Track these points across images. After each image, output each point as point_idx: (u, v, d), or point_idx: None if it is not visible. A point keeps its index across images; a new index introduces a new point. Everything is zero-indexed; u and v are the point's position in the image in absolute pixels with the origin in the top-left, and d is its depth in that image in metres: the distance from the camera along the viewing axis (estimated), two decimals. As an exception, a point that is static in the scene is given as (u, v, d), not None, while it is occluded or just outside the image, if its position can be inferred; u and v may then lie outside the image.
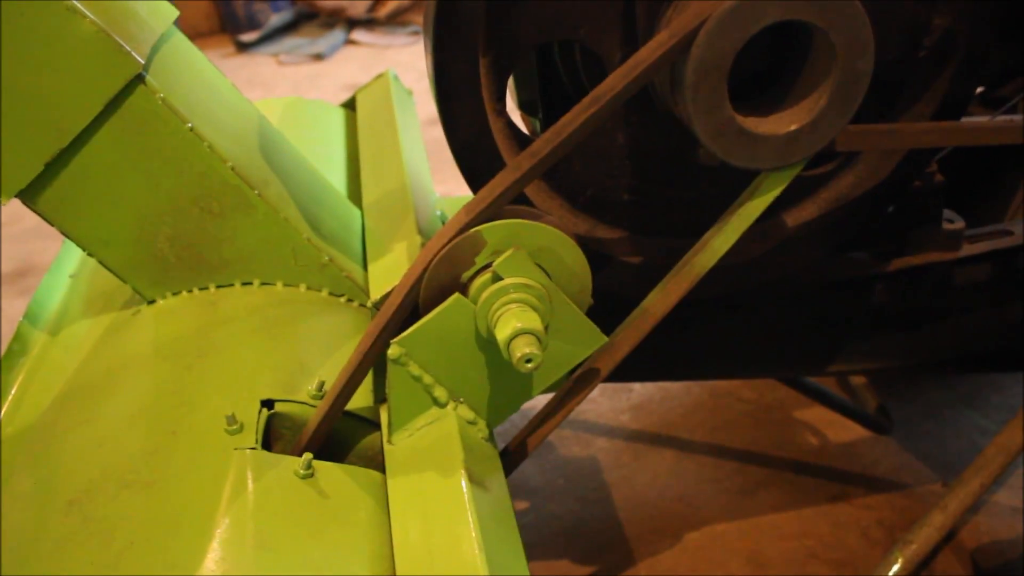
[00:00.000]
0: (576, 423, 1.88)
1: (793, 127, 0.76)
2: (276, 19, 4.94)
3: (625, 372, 1.17)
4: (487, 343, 0.77)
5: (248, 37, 4.83)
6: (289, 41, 4.88)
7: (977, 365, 1.38)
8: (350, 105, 1.71)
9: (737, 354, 1.21)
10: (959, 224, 1.17)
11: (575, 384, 0.84)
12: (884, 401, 1.80)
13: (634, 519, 1.65)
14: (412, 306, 0.78)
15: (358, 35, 4.82)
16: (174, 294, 1.07)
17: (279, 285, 1.07)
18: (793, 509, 1.66)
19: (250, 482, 0.78)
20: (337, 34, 4.83)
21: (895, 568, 1.10)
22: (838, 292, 1.19)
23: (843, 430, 1.82)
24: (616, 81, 0.71)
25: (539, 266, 0.76)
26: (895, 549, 1.11)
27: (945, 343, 1.28)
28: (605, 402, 1.93)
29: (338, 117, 1.65)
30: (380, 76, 1.69)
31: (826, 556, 1.56)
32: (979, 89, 1.63)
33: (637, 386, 1.97)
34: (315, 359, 0.95)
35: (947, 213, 1.18)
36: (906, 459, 1.76)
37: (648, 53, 0.70)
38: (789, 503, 1.67)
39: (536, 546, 1.60)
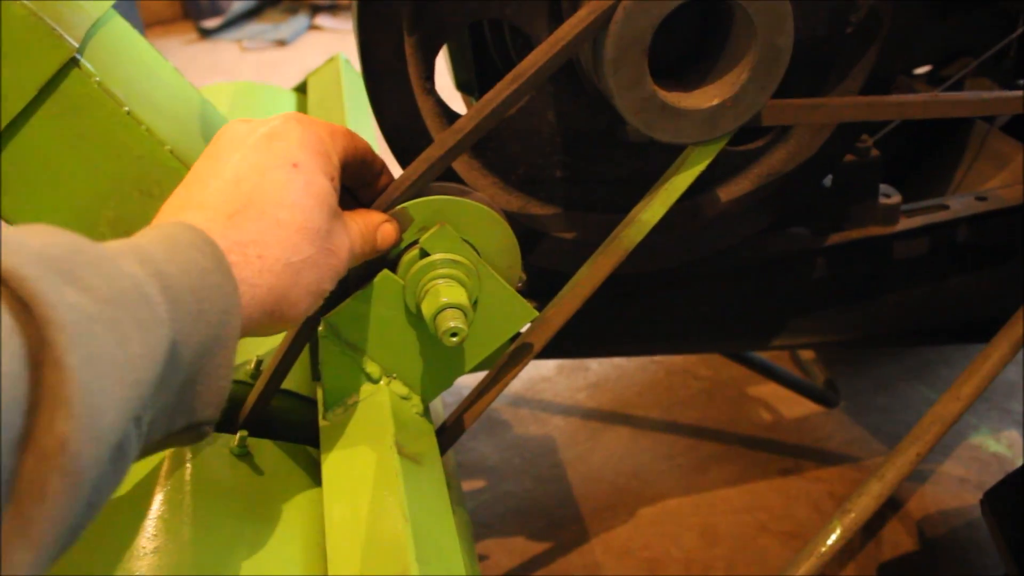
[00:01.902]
0: (533, 402, 1.90)
1: (716, 101, 0.78)
2: (239, 5, 4.90)
3: (567, 348, 1.19)
4: (417, 319, 0.78)
5: (211, 23, 4.79)
6: (252, 27, 4.84)
7: (920, 338, 1.40)
8: (302, 89, 1.71)
9: (681, 330, 1.23)
10: (896, 199, 1.19)
11: (509, 359, 0.86)
12: (835, 376, 1.83)
13: (589, 496, 1.67)
14: (344, 283, 0.79)
15: (321, 20, 4.79)
16: (116, 278, 1.06)
17: (222, 267, 1.07)
18: (746, 483, 1.68)
19: (187, 460, 0.79)
20: (300, 20, 4.80)
21: (833, 536, 1.12)
22: (779, 267, 1.21)
23: (796, 405, 1.85)
24: (537, 58, 0.72)
25: (467, 242, 0.77)
26: (834, 518, 1.13)
27: (887, 317, 1.31)
28: (562, 381, 1.95)
29: (289, 101, 1.65)
30: (331, 60, 1.69)
31: (777, 528, 1.59)
32: (926, 69, 1.65)
33: (594, 365, 1.99)
34: (254, 338, 0.95)
35: (884, 188, 1.20)
36: (857, 432, 1.80)
37: (568, 30, 0.71)
38: (742, 477, 1.70)
39: (491, 524, 1.62)
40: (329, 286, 0.66)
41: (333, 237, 0.65)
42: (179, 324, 0.50)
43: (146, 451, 0.53)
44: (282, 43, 4.55)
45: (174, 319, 0.49)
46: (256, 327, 0.61)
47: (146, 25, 4.59)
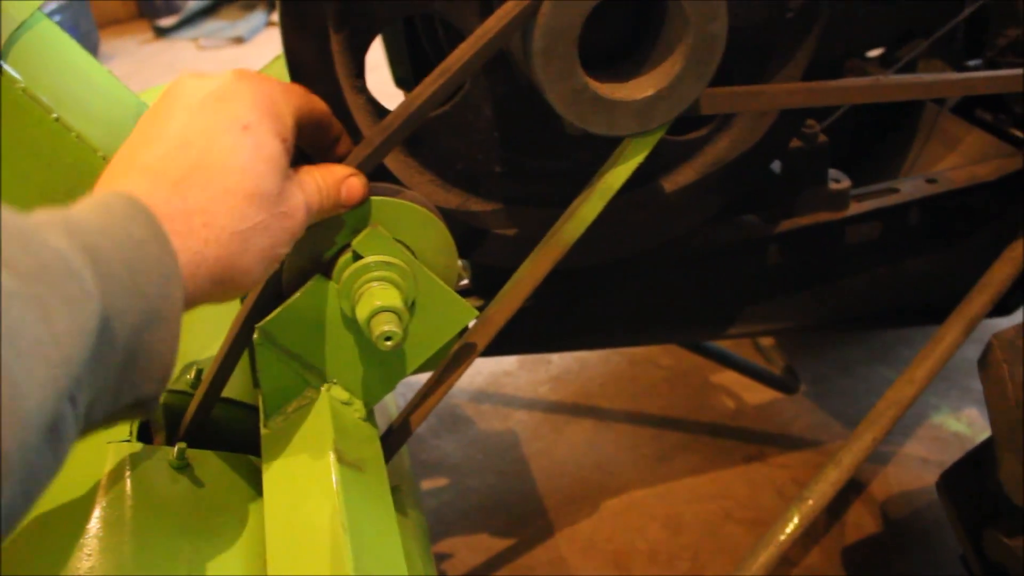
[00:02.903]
0: (495, 397, 1.89)
1: (650, 92, 0.76)
2: (194, 4, 4.84)
3: (520, 344, 1.18)
4: (354, 323, 0.76)
5: (167, 22, 4.73)
6: (209, 25, 4.78)
7: (876, 322, 1.40)
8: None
9: (637, 321, 1.22)
10: (845, 183, 1.19)
11: (453, 359, 0.84)
12: (797, 360, 1.83)
13: (553, 490, 1.66)
14: (276, 289, 0.77)
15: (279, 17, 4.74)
16: (53, 288, 1.04)
17: (161, 274, 1.04)
18: (710, 472, 1.68)
19: (127, 476, 0.77)
20: (258, 16, 4.75)
21: (792, 525, 1.12)
22: (731, 255, 1.20)
23: (759, 392, 1.85)
24: (463, 52, 0.70)
25: (401, 242, 0.76)
26: (791, 507, 1.13)
27: (842, 301, 1.30)
28: (524, 375, 1.94)
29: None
30: (278, 57, 1.66)
31: (741, 516, 1.59)
32: (878, 52, 1.65)
33: (555, 358, 1.98)
34: (193, 348, 0.93)
35: (833, 173, 1.19)
36: (820, 417, 1.80)
37: (495, 22, 0.70)
38: (706, 466, 1.69)
39: (454, 522, 1.60)
40: (284, 250, 0.64)
41: (286, 199, 0.63)
42: (111, 298, 0.48)
43: (90, 429, 0.51)
44: (239, 40, 4.50)
45: (105, 293, 0.47)
46: (206, 297, 0.59)
47: (100, 25, 4.51)
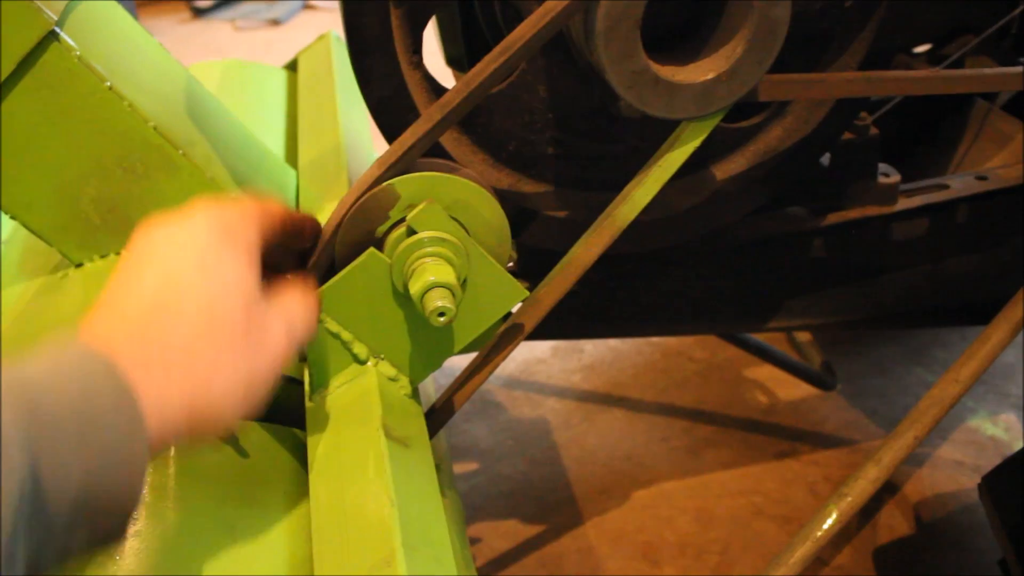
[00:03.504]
0: (527, 384, 1.88)
1: (710, 75, 0.76)
2: (232, -16, 4.86)
3: (561, 328, 1.17)
4: (405, 298, 0.76)
5: (204, 3, 4.75)
6: (245, 6, 4.79)
7: (918, 320, 1.39)
8: (292, 67, 1.68)
9: (676, 311, 1.21)
10: (895, 178, 1.17)
11: (499, 340, 0.84)
12: (832, 358, 1.82)
13: (583, 479, 1.65)
14: (329, 263, 0.77)
15: None
16: (101, 257, 1.05)
17: (207, 246, 1.05)
18: (741, 466, 1.67)
19: (171, 444, 0.77)
20: (295, -2, 4.76)
21: (829, 521, 1.10)
22: (775, 247, 1.19)
23: (792, 388, 1.83)
24: (525, 31, 0.70)
25: (455, 219, 0.75)
26: (830, 502, 1.11)
27: (885, 298, 1.29)
28: (556, 363, 1.94)
29: (279, 79, 1.63)
30: (322, 37, 1.66)
31: (772, 512, 1.58)
32: (926, 47, 1.63)
33: (589, 347, 1.97)
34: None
35: (883, 167, 1.18)
36: (854, 415, 1.78)
37: (557, 2, 0.69)
38: (737, 461, 1.68)
39: (484, 507, 1.60)
40: (263, 378, 0.62)
41: (257, 327, 0.62)
42: (52, 456, 0.48)
43: (42, 570, 0.51)
44: (276, 22, 4.51)
45: (44, 452, 0.48)
46: (180, 436, 0.58)
47: (138, 4, 4.54)
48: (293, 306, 0.67)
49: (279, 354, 0.64)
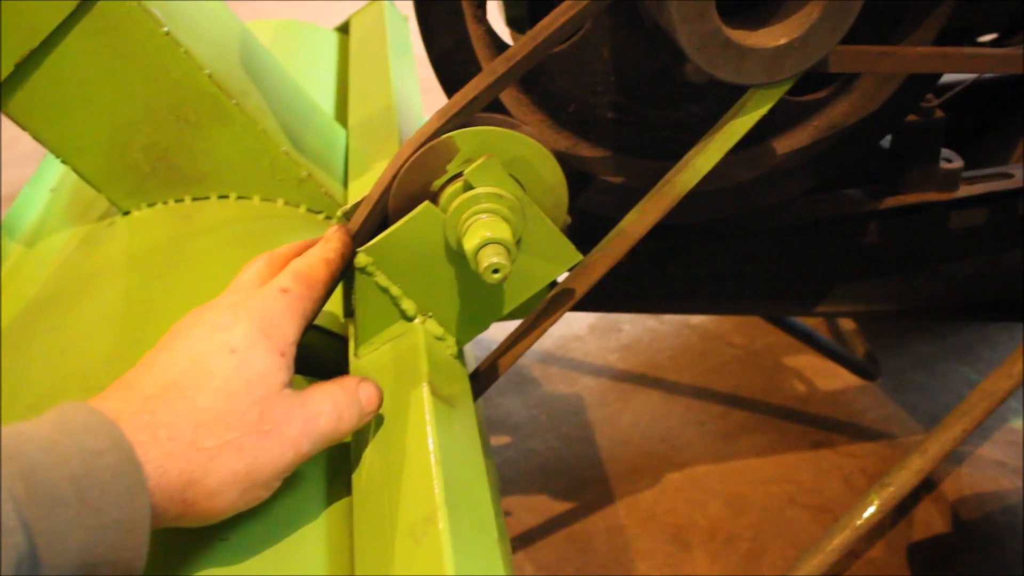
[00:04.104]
0: (563, 360, 1.87)
1: (782, 41, 0.73)
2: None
3: (605, 300, 1.16)
4: (457, 256, 0.75)
5: (252, -31, 4.75)
6: (294, -26, 4.79)
7: (971, 313, 1.35)
8: (344, 29, 1.67)
9: (723, 288, 1.19)
10: (957, 163, 1.14)
11: (549, 304, 0.82)
12: (874, 351, 1.79)
13: (615, 458, 1.64)
14: (383, 215, 0.76)
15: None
16: (149, 205, 1.05)
17: (256, 199, 1.04)
18: (776, 454, 1.65)
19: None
20: (343, -31, 4.75)
21: (870, 510, 1.09)
22: (830, 229, 1.16)
23: (831, 378, 1.81)
24: (596, -16, 0.68)
25: (513, 177, 0.74)
26: (871, 491, 1.09)
27: (938, 289, 1.26)
28: (594, 341, 1.92)
29: (331, 40, 1.62)
30: (375, 1, 1.65)
31: (805, 501, 1.56)
32: (990, 37, 1.59)
33: (627, 326, 1.96)
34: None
35: (945, 152, 1.15)
36: (893, 410, 1.76)
37: (631, -44, 0.67)
38: (772, 448, 1.66)
39: (515, 481, 1.60)
40: (267, 476, 0.61)
41: (272, 420, 0.61)
42: (47, 521, 0.48)
43: None
44: (323, -9, 4.51)
45: (38, 518, 0.47)
46: (172, 515, 0.57)
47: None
48: (323, 406, 0.65)
49: (286, 455, 0.62)
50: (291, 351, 0.65)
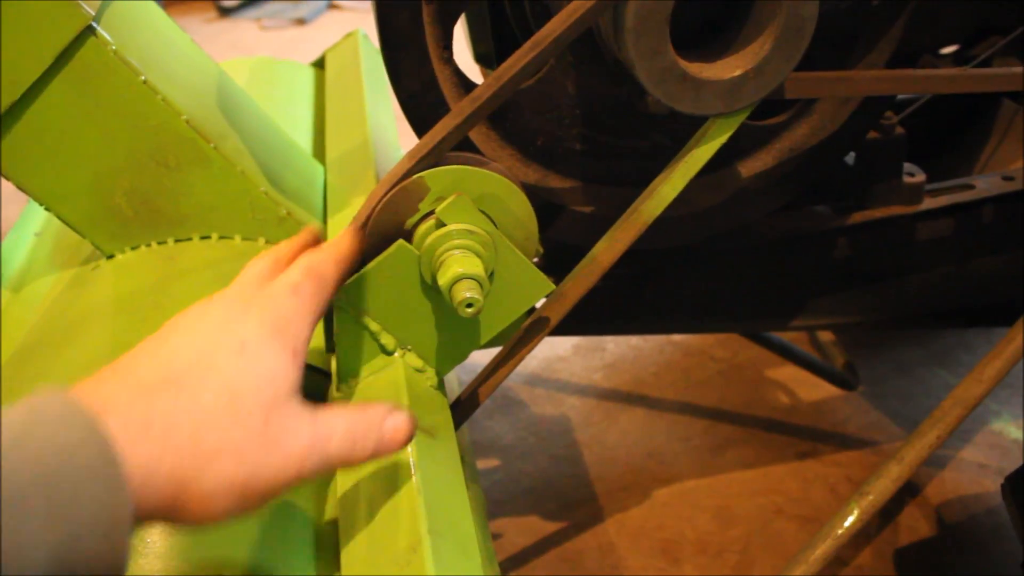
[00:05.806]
0: (548, 382, 1.89)
1: (737, 72, 0.76)
2: (258, -17, 4.89)
3: (587, 324, 1.18)
4: (432, 290, 0.77)
5: (230, 2, 4.79)
6: (271, 6, 4.83)
7: (942, 321, 1.38)
8: (320, 64, 1.70)
9: (699, 308, 1.22)
10: (920, 177, 1.17)
11: (524, 333, 0.85)
12: (854, 359, 1.81)
13: (604, 476, 1.66)
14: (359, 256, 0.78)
15: (341, -1, 4.79)
16: (133, 248, 1.06)
17: (237, 239, 1.06)
18: (762, 466, 1.67)
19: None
20: (320, -2, 4.79)
21: (851, 519, 1.11)
22: (800, 246, 1.19)
23: (814, 388, 1.83)
24: (555, 26, 0.71)
25: (484, 213, 0.76)
26: (851, 500, 1.12)
27: (909, 298, 1.29)
28: (578, 361, 1.94)
29: (307, 76, 1.64)
30: (349, 35, 1.68)
31: (793, 512, 1.58)
32: (952, 48, 1.63)
33: (610, 345, 1.98)
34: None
35: (908, 167, 1.18)
36: (876, 417, 1.78)
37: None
38: (758, 460, 1.68)
39: (505, 503, 1.61)
40: (263, 487, 0.55)
41: (278, 427, 0.56)
42: (12, 532, 0.43)
43: None
44: (301, 22, 4.54)
45: (2, 528, 0.43)
46: (158, 514, 0.52)
47: (166, 3, 4.58)
48: (335, 428, 0.60)
49: (286, 469, 0.56)
50: (303, 350, 0.61)
